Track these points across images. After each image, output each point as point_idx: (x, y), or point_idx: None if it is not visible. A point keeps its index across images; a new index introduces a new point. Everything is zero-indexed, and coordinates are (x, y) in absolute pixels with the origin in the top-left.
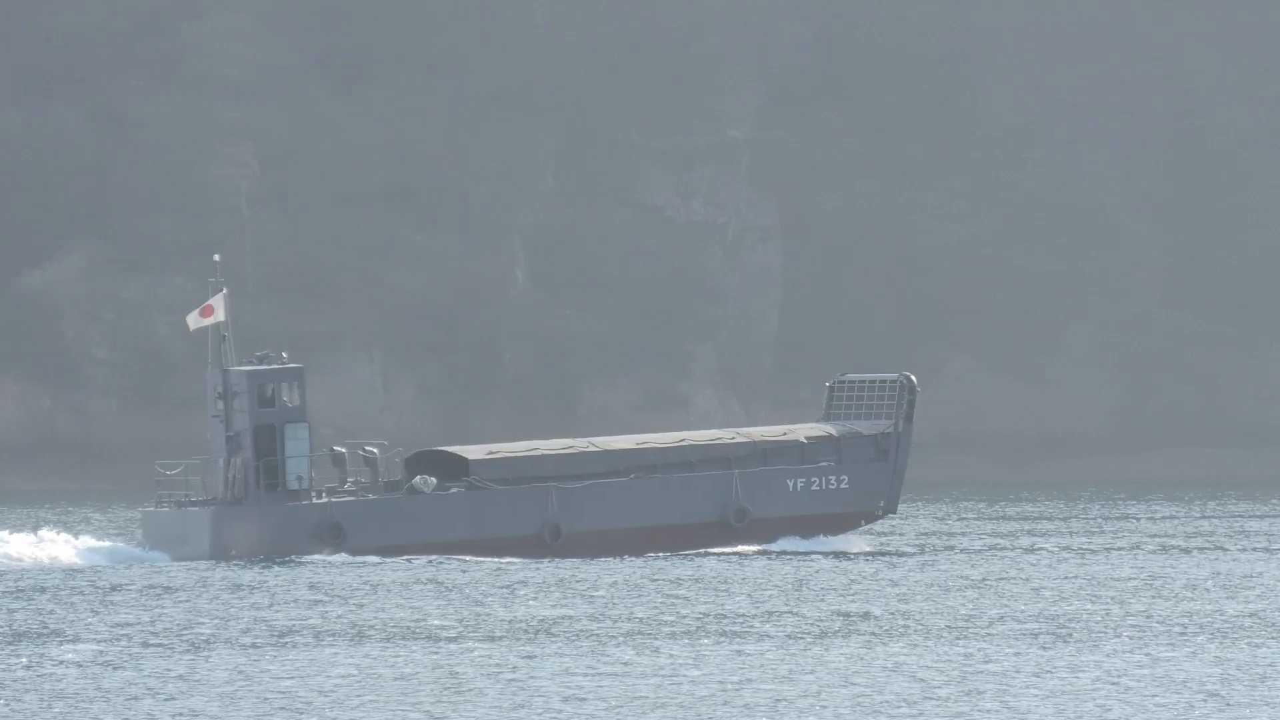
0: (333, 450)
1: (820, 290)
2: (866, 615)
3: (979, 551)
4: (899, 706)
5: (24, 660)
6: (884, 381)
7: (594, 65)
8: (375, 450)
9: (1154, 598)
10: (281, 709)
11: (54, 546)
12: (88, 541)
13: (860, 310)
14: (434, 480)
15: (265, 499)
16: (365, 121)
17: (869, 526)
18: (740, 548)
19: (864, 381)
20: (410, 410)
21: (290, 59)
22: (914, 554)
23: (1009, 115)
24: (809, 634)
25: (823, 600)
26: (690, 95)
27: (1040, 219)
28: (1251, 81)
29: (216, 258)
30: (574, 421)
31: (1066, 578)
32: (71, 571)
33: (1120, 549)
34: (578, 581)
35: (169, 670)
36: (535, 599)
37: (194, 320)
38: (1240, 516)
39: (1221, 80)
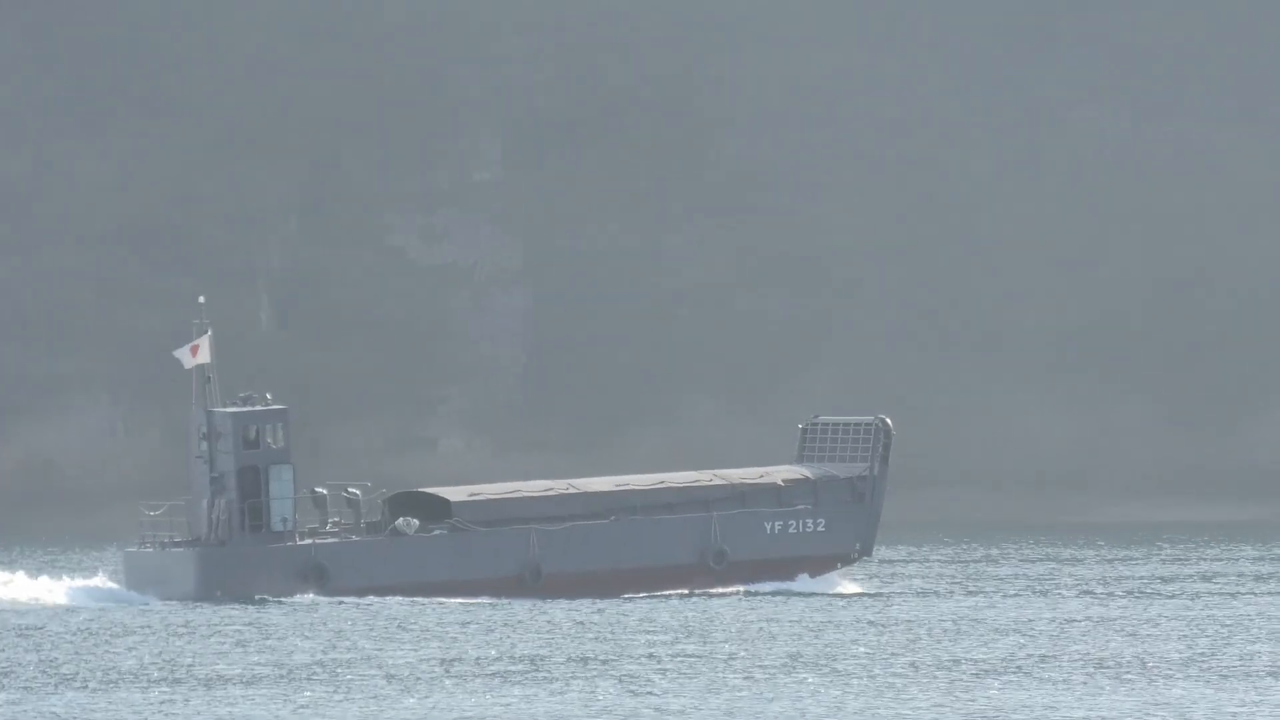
0: (314, 491)
1: (568, 332)
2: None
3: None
4: None
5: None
6: (858, 425)
7: (338, 107)
8: (358, 492)
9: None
10: None
11: (41, 587)
12: (71, 583)
13: (608, 352)
14: (416, 522)
15: (250, 540)
16: (104, 162)
17: (845, 569)
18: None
19: (837, 425)
20: (153, 454)
21: (26, 99)
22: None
23: (750, 159)
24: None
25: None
26: (434, 138)
27: (781, 262)
28: (985, 126)
29: (201, 299)
30: (318, 466)
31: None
32: (70, 611)
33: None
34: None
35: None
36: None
37: (185, 359)
38: (981, 561)
39: (956, 125)
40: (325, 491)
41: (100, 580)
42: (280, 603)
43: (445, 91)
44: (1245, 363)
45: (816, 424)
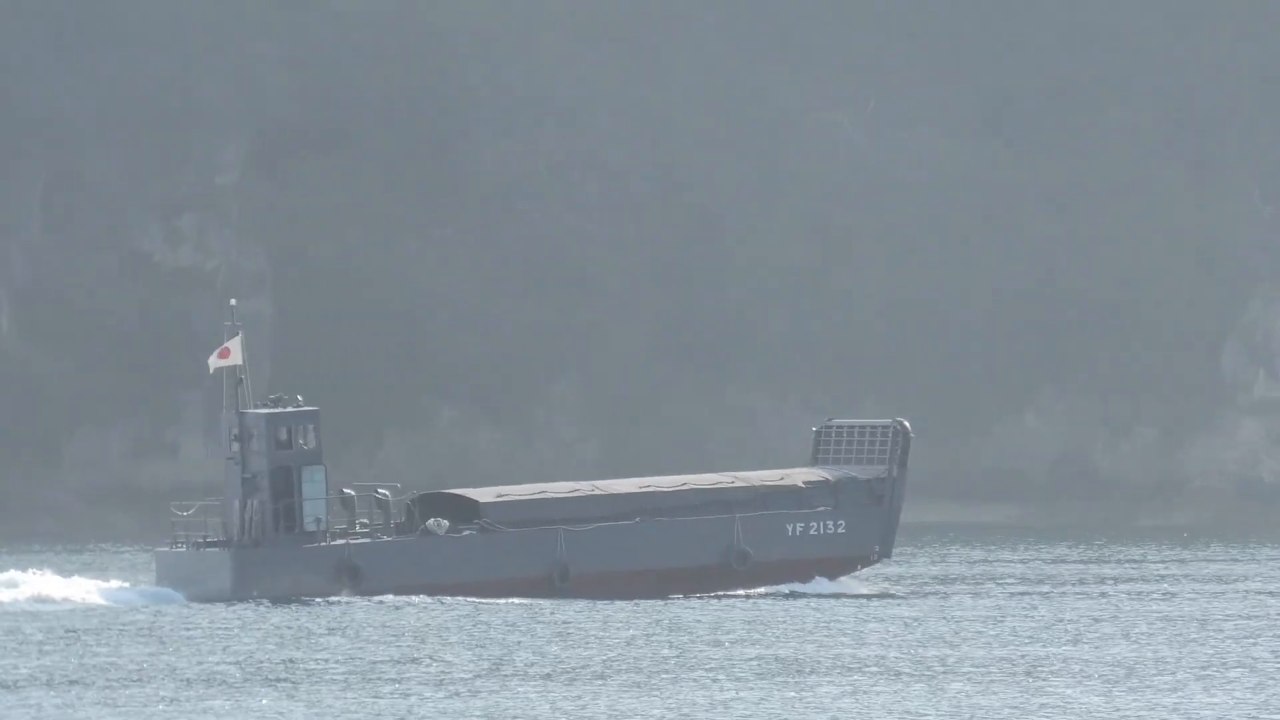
0: (343, 492)
1: (312, 338)
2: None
3: None
4: None
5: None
6: (874, 428)
7: (80, 112)
8: (387, 493)
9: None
10: None
11: (77, 587)
12: (104, 582)
13: (352, 359)
14: (446, 522)
15: (283, 540)
16: None
17: (863, 570)
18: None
19: (852, 427)
20: None
21: None
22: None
23: (496, 169)
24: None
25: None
26: (178, 143)
27: (527, 271)
28: (728, 134)
29: (233, 302)
30: (60, 471)
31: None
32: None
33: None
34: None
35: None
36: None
37: (213, 362)
38: None
39: (700, 133)
40: (353, 493)
41: (129, 581)
42: (318, 602)
43: (190, 96)
44: (993, 367)
45: (831, 427)
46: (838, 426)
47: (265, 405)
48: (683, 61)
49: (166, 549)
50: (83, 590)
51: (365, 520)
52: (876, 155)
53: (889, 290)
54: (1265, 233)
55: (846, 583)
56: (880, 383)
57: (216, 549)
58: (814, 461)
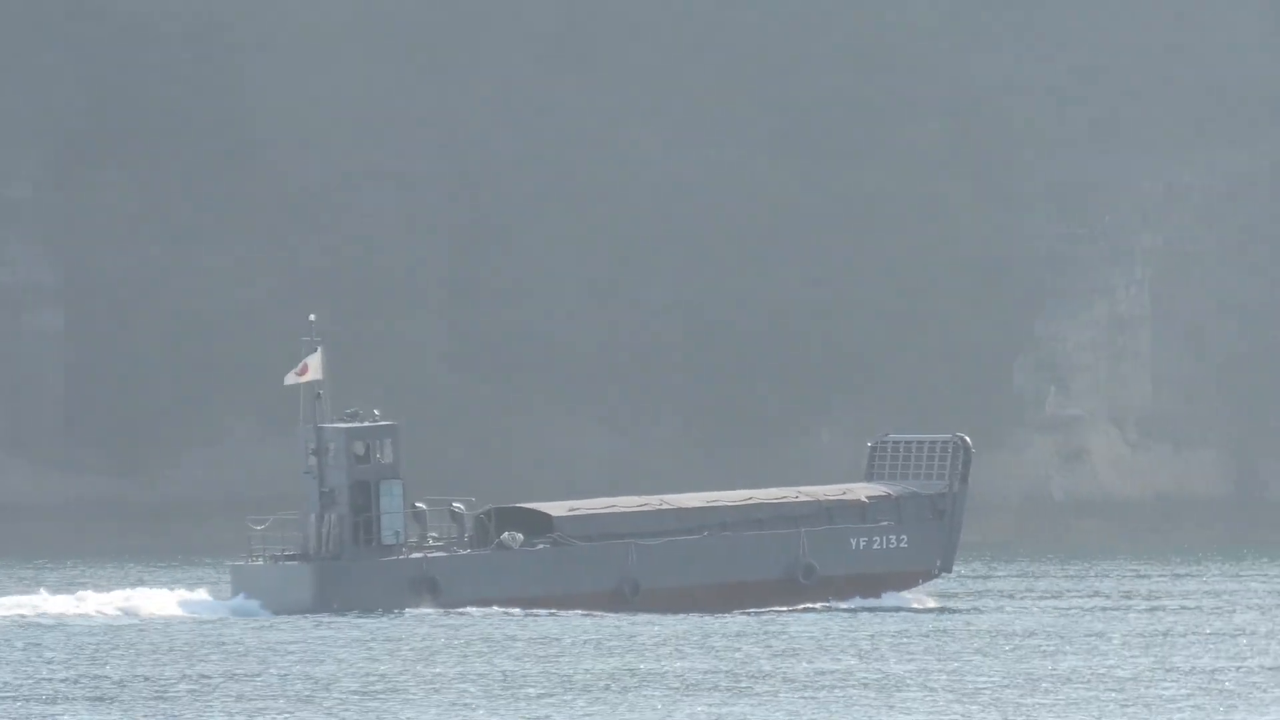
0: (415, 506)
1: (106, 352)
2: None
3: None
4: None
5: None
6: (933, 443)
7: None
8: (462, 506)
9: None
10: None
11: (156, 600)
12: (184, 595)
13: (147, 373)
14: (521, 536)
15: (362, 554)
16: None
17: (925, 585)
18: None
19: (909, 442)
20: None
21: None
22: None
23: (294, 179)
24: None
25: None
26: None
27: (324, 283)
28: (526, 147)
29: (312, 317)
30: None
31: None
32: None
33: None
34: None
35: None
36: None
37: (290, 378)
38: None
39: (498, 146)
40: (425, 507)
41: (204, 593)
42: (397, 614)
43: None
44: (785, 380)
45: (886, 442)
46: (894, 441)
47: (341, 419)
48: (478, 73)
49: (242, 562)
50: (162, 603)
51: (435, 534)
52: (670, 168)
53: (683, 303)
54: (1054, 248)
55: (906, 597)
56: (676, 395)
57: (295, 562)
58: (868, 476)
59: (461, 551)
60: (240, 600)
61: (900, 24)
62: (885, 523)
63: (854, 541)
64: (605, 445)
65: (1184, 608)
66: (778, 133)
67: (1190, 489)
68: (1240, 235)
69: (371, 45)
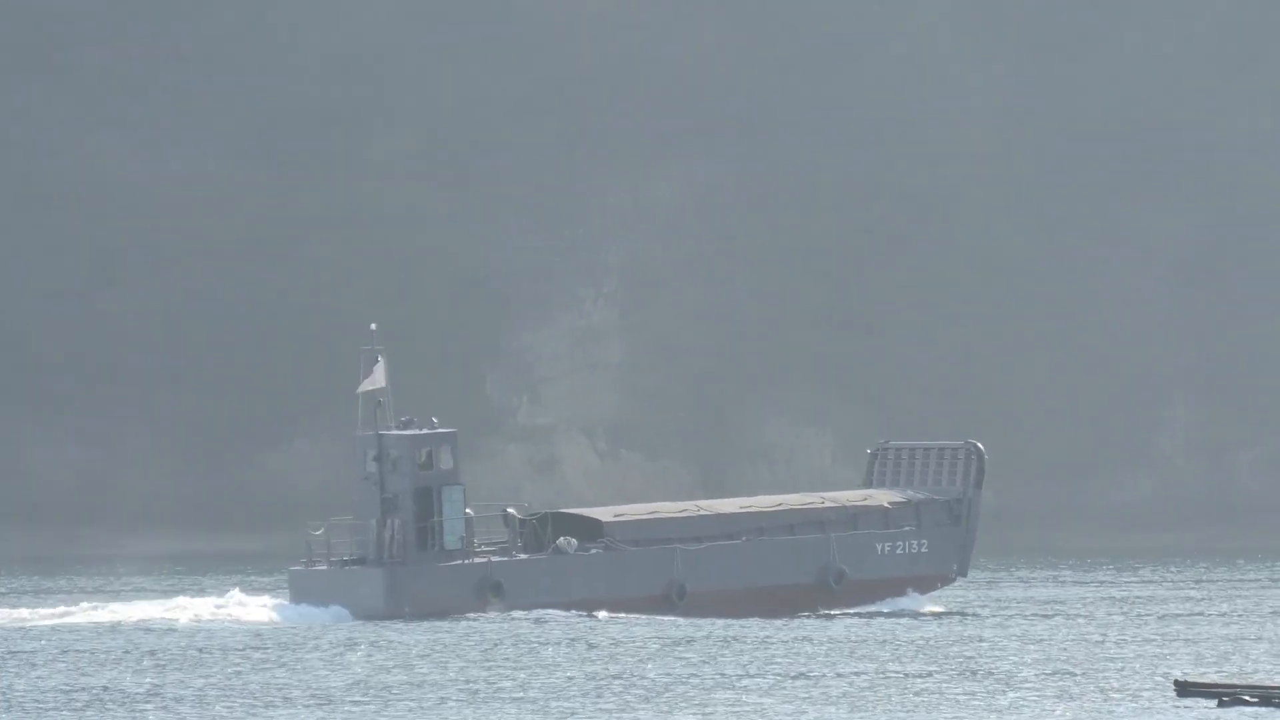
0: (465, 513)
1: None
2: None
3: None
4: None
5: None
6: (942, 449)
7: None
8: (515, 511)
9: None
10: None
11: (250, 608)
12: (270, 600)
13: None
14: (575, 541)
15: (427, 558)
16: None
17: (943, 589)
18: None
19: (914, 448)
20: None
21: None
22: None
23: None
24: None
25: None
26: None
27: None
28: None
29: (373, 326)
30: None
31: None
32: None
33: None
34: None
35: None
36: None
37: (365, 386)
38: None
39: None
40: (472, 513)
41: (268, 599)
42: (466, 618)
43: None
44: (267, 393)
45: (889, 448)
46: (895, 448)
47: (399, 426)
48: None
49: (300, 568)
50: (255, 609)
51: (485, 540)
52: (142, 176)
53: (157, 311)
54: (527, 260)
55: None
56: (145, 403)
57: (363, 567)
58: (867, 482)
59: (520, 556)
60: (336, 607)
61: (383, 33)
62: (907, 527)
63: (879, 546)
64: (75, 459)
65: None
66: (254, 140)
67: (660, 497)
68: (706, 246)
69: (156, 42)
